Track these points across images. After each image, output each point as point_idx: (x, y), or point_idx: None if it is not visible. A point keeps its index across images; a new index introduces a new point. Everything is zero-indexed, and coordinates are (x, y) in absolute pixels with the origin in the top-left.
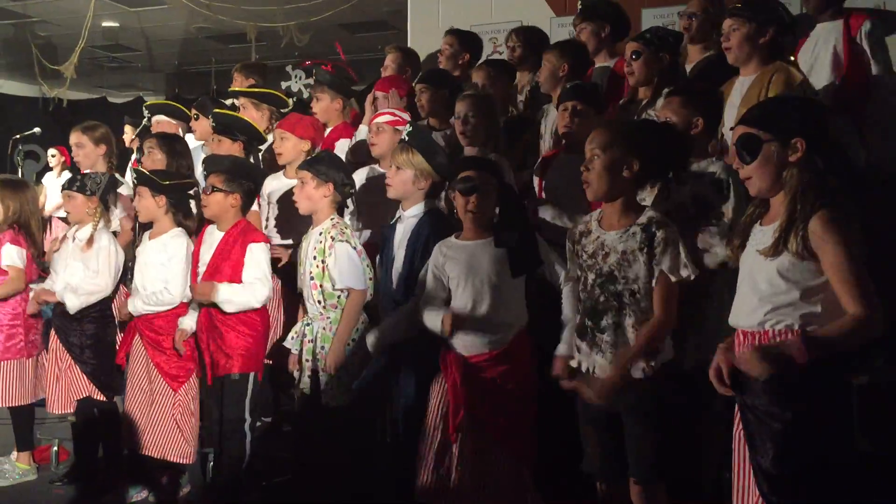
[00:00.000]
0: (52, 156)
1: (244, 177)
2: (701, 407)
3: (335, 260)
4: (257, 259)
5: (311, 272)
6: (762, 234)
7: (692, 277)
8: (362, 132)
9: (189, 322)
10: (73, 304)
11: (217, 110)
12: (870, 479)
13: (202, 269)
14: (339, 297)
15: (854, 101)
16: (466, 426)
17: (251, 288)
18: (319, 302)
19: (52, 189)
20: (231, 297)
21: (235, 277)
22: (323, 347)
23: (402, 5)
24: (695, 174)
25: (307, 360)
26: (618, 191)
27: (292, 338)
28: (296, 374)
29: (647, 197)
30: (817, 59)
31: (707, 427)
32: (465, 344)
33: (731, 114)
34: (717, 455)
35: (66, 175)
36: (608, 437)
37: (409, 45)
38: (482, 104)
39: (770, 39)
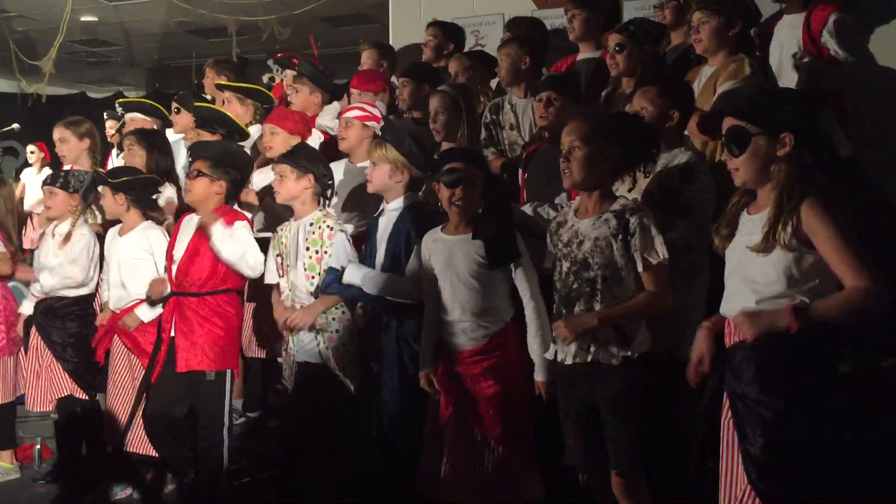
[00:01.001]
0: (32, 152)
1: (231, 165)
2: (682, 397)
3: (338, 248)
4: (241, 235)
5: (304, 263)
6: (751, 224)
7: (666, 258)
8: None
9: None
10: (48, 282)
11: (198, 104)
12: (855, 467)
13: (178, 255)
14: None
15: (827, 94)
16: (455, 418)
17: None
18: (312, 294)
19: (31, 185)
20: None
21: (212, 261)
22: (320, 332)
23: None
24: (663, 164)
25: (296, 352)
26: (597, 181)
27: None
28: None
29: (619, 187)
30: (784, 52)
31: (689, 417)
32: (452, 340)
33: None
34: (700, 445)
35: (46, 171)
36: (589, 430)
37: (390, 38)
38: (451, 99)
39: (739, 32)
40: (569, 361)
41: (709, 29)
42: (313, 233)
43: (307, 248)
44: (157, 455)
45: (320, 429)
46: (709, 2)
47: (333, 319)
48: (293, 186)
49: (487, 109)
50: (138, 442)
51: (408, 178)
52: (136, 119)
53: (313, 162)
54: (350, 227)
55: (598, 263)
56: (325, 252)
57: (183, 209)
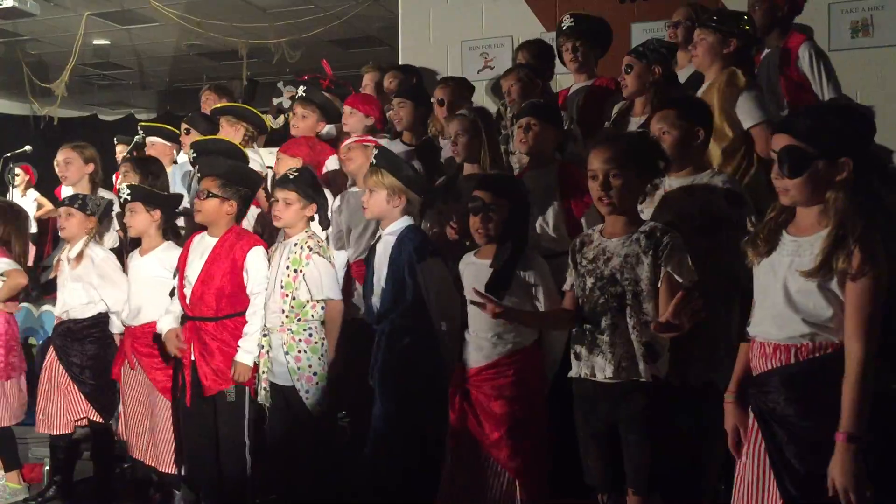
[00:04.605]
0: (17, 175)
1: (241, 183)
2: (700, 421)
3: (316, 271)
4: (261, 266)
5: (282, 281)
6: (796, 246)
7: (695, 279)
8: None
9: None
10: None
11: (197, 140)
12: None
13: (191, 278)
14: (308, 309)
15: None
16: (463, 437)
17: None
18: (283, 311)
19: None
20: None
21: (226, 284)
22: (287, 353)
23: (393, 21)
24: (701, 186)
25: (264, 373)
26: (632, 203)
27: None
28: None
29: (645, 209)
30: (769, 86)
31: (706, 441)
32: (465, 357)
33: None
34: (716, 468)
35: (32, 193)
36: (608, 449)
37: (399, 61)
38: (470, 122)
39: (734, 50)
40: (599, 378)
41: (705, 45)
42: (295, 252)
43: (287, 267)
44: (169, 471)
45: (297, 450)
46: (706, 20)
47: (300, 340)
48: (296, 214)
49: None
50: (148, 454)
51: (405, 202)
52: (156, 144)
53: (318, 191)
54: (343, 254)
55: (626, 279)
56: (300, 271)
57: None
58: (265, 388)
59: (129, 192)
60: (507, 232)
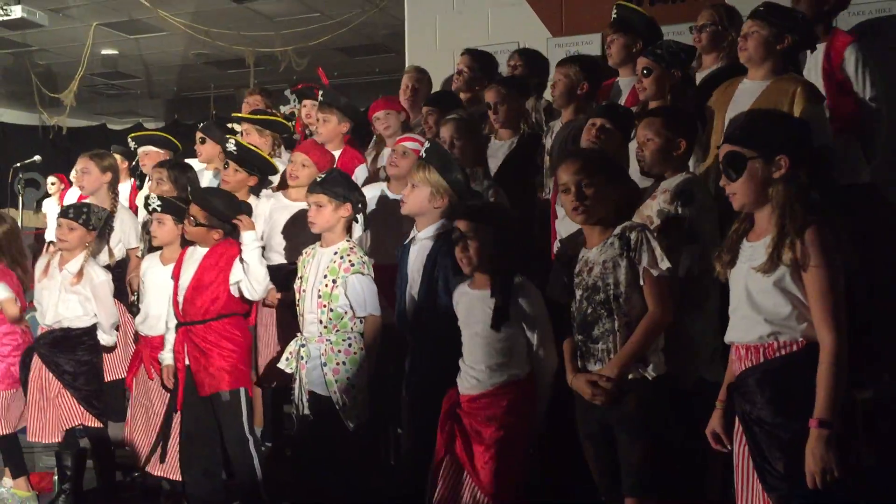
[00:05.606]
0: (52, 183)
1: (229, 216)
2: (698, 423)
3: (360, 288)
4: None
5: (319, 290)
6: (752, 251)
7: (668, 267)
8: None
9: (168, 356)
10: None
11: (240, 141)
12: (877, 491)
13: (184, 286)
14: (347, 321)
15: (847, 123)
16: (448, 459)
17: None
18: (321, 321)
19: (53, 216)
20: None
21: (215, 290)
22: (325, 364)
23: (399, 28)
24: (663, 190)
25: (306, 383)
26: (606, 210)
27: (287, 358)
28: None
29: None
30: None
31: (700, 441)
32: (461, 383)
33: (734, 114)
34: (721, 471)
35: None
36: (605, 451)
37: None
38: (466, 127)
39: (787, 47)
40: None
41: (757, 38)
42: (334, 261)
43: (325, 276)
44: (176, 479)
45: (328, 460)
46: (762, 12)
47: (339, 352)
48: (331, 216)
49: (545, 135)
50: (160, 464)
51: (446, 204)
52: (150, 153)
53: (350, 189)
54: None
55: (607, 284)
56: (338, 282)
57: None
58: (307, 399)
59: (159, 203)
60: (496, 259)
